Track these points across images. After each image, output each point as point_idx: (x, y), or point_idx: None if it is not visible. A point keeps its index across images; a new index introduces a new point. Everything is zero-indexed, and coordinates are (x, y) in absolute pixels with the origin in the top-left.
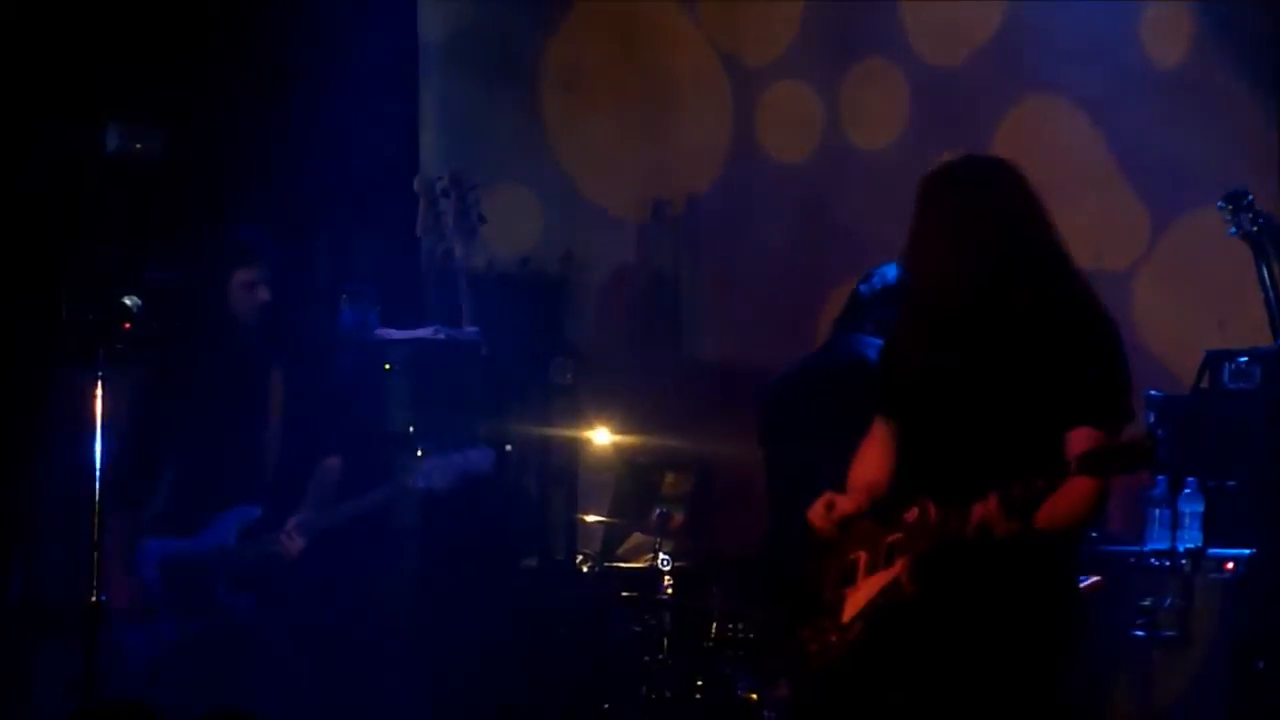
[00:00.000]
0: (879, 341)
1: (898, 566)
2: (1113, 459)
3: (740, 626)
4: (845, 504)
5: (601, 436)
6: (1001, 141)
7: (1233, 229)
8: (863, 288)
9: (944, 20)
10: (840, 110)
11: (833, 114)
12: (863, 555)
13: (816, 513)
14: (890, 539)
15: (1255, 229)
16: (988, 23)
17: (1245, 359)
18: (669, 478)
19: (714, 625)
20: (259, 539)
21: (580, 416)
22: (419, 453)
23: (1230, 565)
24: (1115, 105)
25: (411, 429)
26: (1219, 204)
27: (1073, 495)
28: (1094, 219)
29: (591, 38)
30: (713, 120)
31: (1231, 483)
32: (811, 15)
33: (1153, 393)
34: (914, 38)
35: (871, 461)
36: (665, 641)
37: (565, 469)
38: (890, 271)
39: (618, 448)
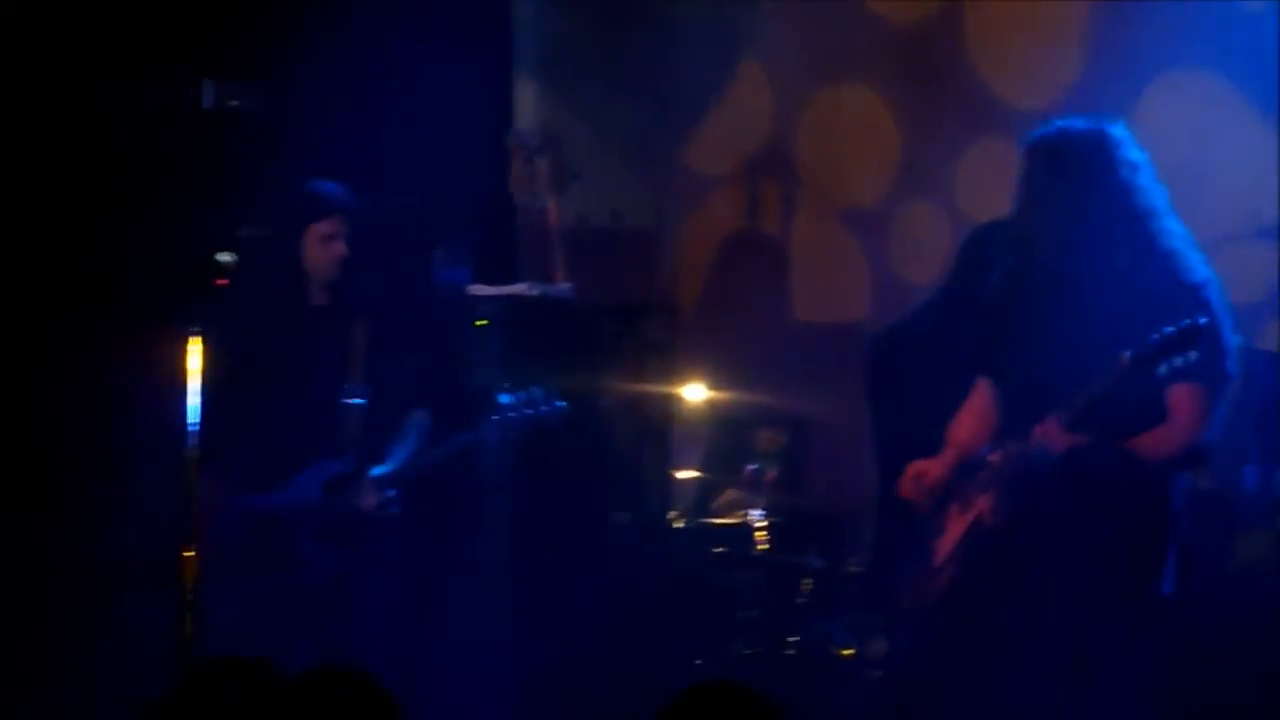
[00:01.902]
0: (978, 301)
1: (980, 503)
2: (1163, 348)
3: (835, 582)
4: (933, 470)
5: (695, 392)
6: None
7: None
8: (964, 246)
9: None
10: None
11: None
12: (954, 505)
13: (906, 484)
14: (976, 481)
15: None
16: None
17: None
18: (763, 433)
19: (808, 581)
20: (343, 494)
21: (674, 372)
22: (516, 403)
23: None
24: None
25: (503, 384)
26: None
27: (1153, 408)
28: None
29: None
30: None
31: None
32: None
33: None
34: None
35: (971, 419)
36: (759, 598)
37: (658, 425)
38: (992, 232)
39: (711, 403)
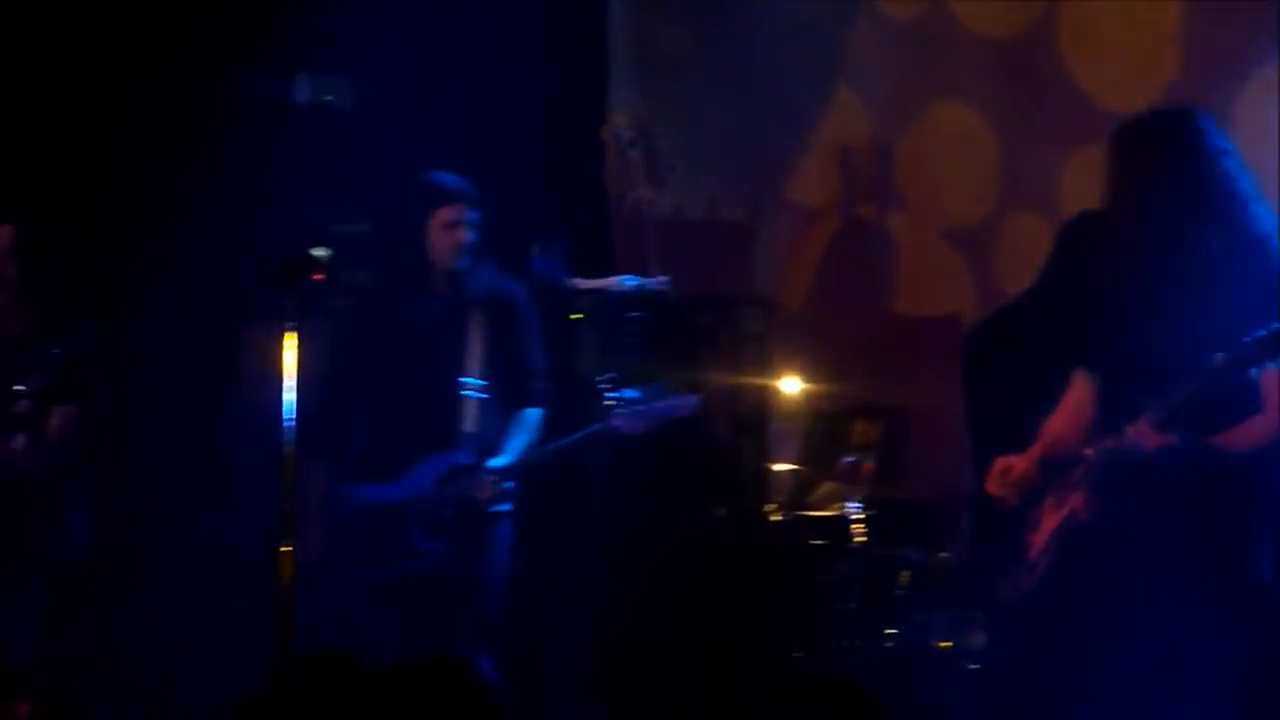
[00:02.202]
0: (1073, 290)
1: (1076, 497)
2: (1255, 351)
3: (932, 574)
4: (1019, 465)
5: (791, 385)
6: None
7: None
8: (1059, 236)
9: None
10: None
11: None
12: (1049, 499)
13: (992, 479)
14: (1071, 477)
15: None
16: None
17: None
18: (859, 426)
19: (905, 573)
20: (456, 486)
21: (770, 364)
22: (619, 397)
23: None
24: None
25: (600, 377)
26: None
27: (1246, 402)
28: None
29: None
30: None
31: None
32: None
33: None
34: None
35: (1065, 413)
36: (856, 590)
37: (755, 417)
38: (1087, 221)
39: (808, 396)
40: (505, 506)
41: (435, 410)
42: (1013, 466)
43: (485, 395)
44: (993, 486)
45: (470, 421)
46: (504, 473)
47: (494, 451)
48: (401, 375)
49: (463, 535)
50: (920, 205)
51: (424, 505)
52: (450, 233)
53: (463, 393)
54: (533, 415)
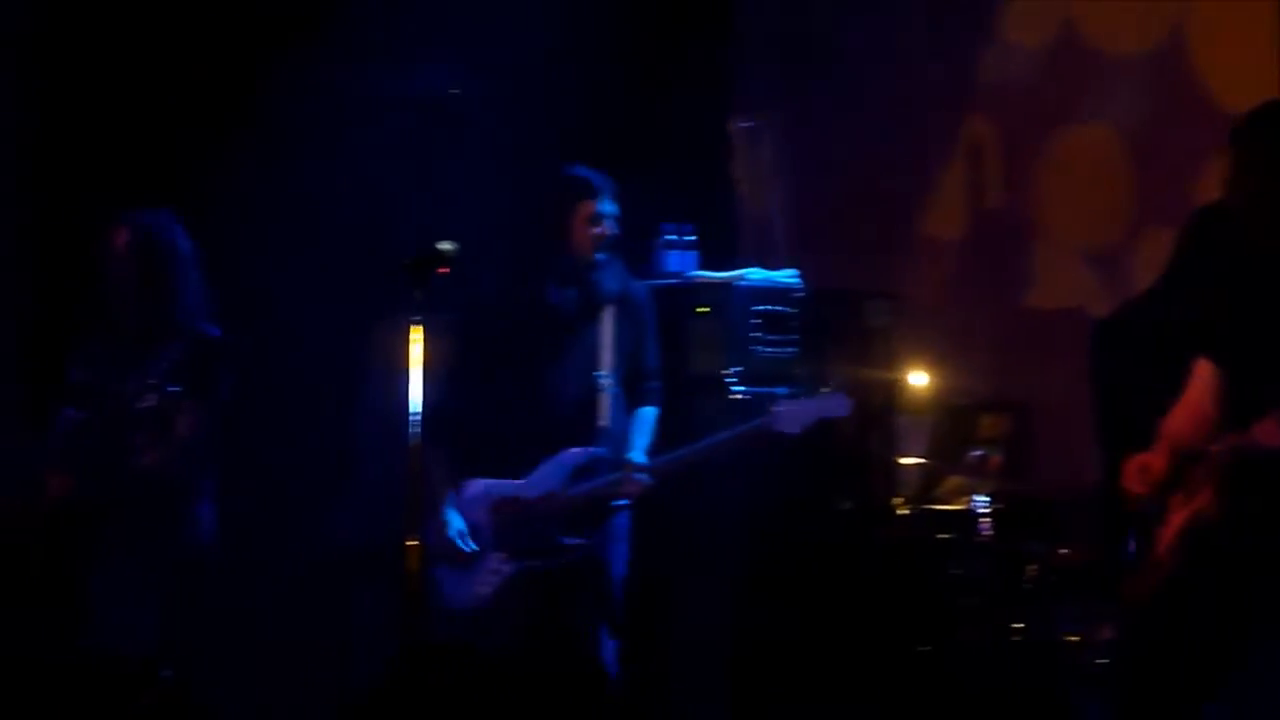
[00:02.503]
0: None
1: (1203, 495)
2: None
3: (1060, 568)
4: (1156, 463)
5: (919, 378)
6: None
7: None
8: (1184, 229)
9: None
10: None
11: None
12: (1177, 495)
13: (1130, 477)
14: (1197, 473)
15: None
16: None
17: None
18: (986, 419)
19: (1033, 567)
20: (590, 481)
21: (897, 358)
22: (774, 396)
23: None
24: None
25: (725, 371)
26: None
27: None
28: None
29: None
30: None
31: None
32: None
33: None
34: None
35: (1188, 408)
36: (983, 584)
37: (882, 411)
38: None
39: (935, 389)
40: (623, 500)
41: (571, 403)
42: (1150, 464)
43: (617, 388)
44: (1131, 484)
45: (604, 415)
46: (650, 468)
47: (624, 446)
48: (538, 368)
49: (597, 529)
50: (1059, 231)
51: (557, 500)
52: (592, 226)
53: (596, 387)
54: (649, 414)
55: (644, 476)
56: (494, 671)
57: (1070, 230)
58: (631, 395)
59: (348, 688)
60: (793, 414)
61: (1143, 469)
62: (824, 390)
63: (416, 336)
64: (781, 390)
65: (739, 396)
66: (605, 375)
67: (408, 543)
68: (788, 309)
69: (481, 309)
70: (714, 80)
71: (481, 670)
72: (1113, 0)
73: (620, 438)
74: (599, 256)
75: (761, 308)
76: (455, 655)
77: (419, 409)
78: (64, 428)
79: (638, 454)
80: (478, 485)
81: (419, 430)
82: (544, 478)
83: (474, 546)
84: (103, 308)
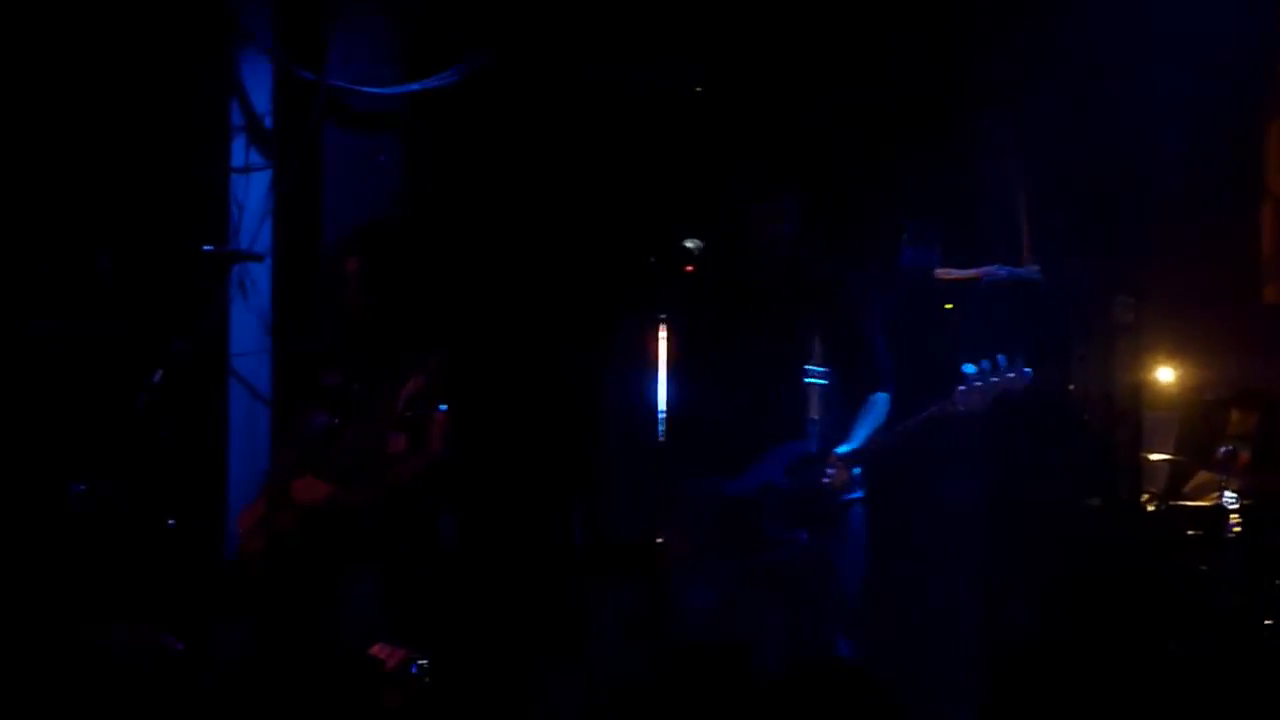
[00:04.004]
0: None
1: None
2: None
3: None
4: None
5: (1165, 375)
6: None
7: None
8: None
9: None
10: None
11: None
12: None
13: None
14: None
15: None
16: None
17: None
18: (1235, 415)
19: None
20: (807, 474)
21: (1144, 354)
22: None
23: None
24: None
25: (970, 367)
26: None
27: None
28: None
29: None
30: None
31: None
32: None
33: None
34: None
35: None
36: (1233, 581)
37: (1129, 408)
38: None
39: (1183, 385)
40: (857, 494)
41: (780, 399)
42: None
43: (827, 382)
44: None
45: (815, 409)
46: (853, 458)
47: (842, 438)
48: (745, 366)
49: (817, 523)
50: None
51: (775, 495)
52: (771, 225)
53: (806, 380)
54: (880, 400)
55: (847, 466)
56: (751, 672)
57: None
58: (858, 384)
59: (594, 689)
60: (973, 395)
61: None
62: (1008, 364)
63: (662, 334)
64: (969, 369)
65: (978, 378)
66: (815, 368)
67: (654, 541)
68: (1033, 305)
69: (702, 309)
70: (957, 72)
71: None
72: None
73: (831, 431)
74: (784, 254)
75: (1006, 304)
76: (714, 654)
77: (665, 407)
78: (317, 433)
79: (848, 445)
80: (701, 484)
81: (664, 429)
82: (760, 473)
83: (702, 545)
84: (347, 312)
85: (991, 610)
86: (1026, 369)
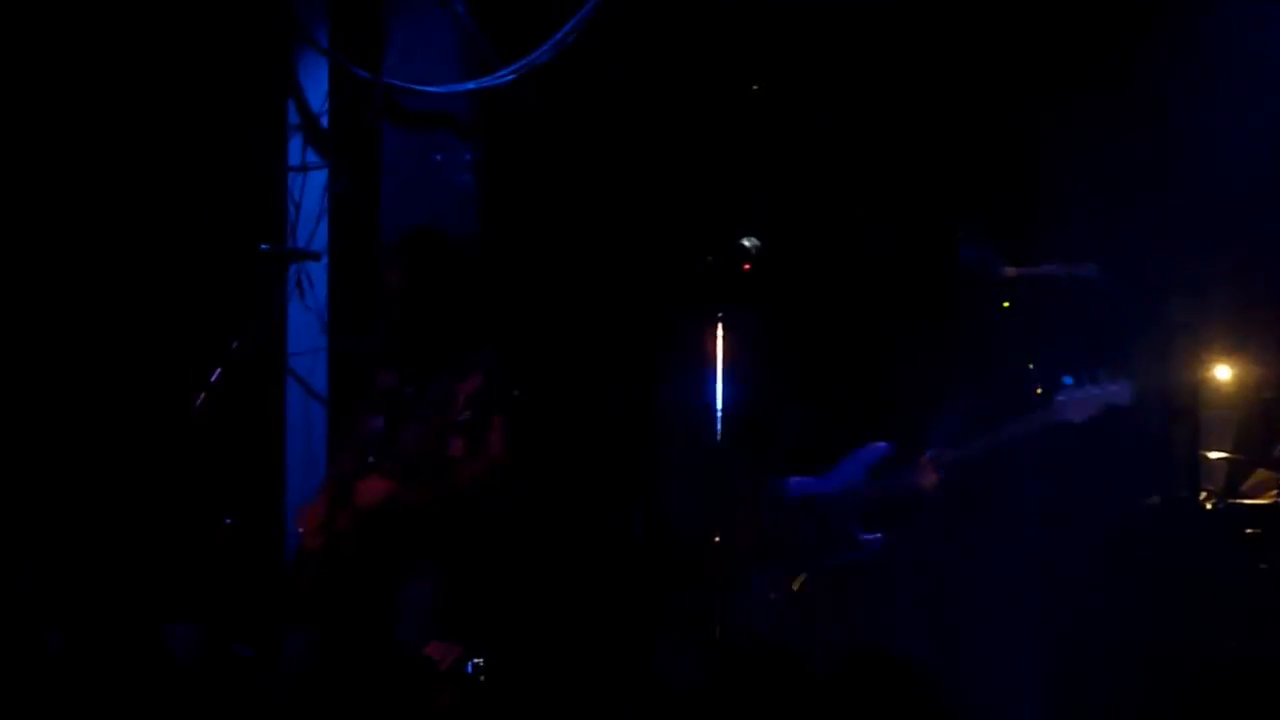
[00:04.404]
0: None
1: None
2: None
3: None
4: None
5: (1223, 373)
6: None
7: None
8: None
9: None
10: None
11: None
12: None
13: None
14: None
15: None
16: None
17: None
18: None
19: None
20: (889, 476)
21: (1202, 352)
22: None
23: None
24: None
25: (1030, 366)
26: None
27: None
28: None
29: None
30: None
31: None
32: None
33: None
34: None
35: None
36: None
37: (1187, 405)
38: None
39: (1241, 383)
40: (939, 493)
41: (863, 399)
42: None
43: (913, 384)
44: None
45: (898, 410)
46: (941, 461)
47: (924, 440)
48: (828, 365)
49: (893, 526)
50: None
51: (857, 496)
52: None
53: (889, 381)
54: (958, 406)
55: (935, 470)
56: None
57: None
58: (941, 387)
59: (660, 687)
60: (1077, 403)
61: None
62: (1104, 376)
63: (719, 333)
64: (1068, 380)
65: (1039, 390)
66: (899, 369)
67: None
68: (1089, 303)
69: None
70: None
71: (798, 672)
72: None
73: (921, 431)
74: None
75: (1063, 302)
76: (777, 655)
77: (722, 406)
78: (375, 435)
79: (934, 448)
80: (783, 483)
81: (722, 428)
82: (843, 474)
83: (780, 545)
84: (397, 313)
85: (1052, 609)
86: (1125, 382)
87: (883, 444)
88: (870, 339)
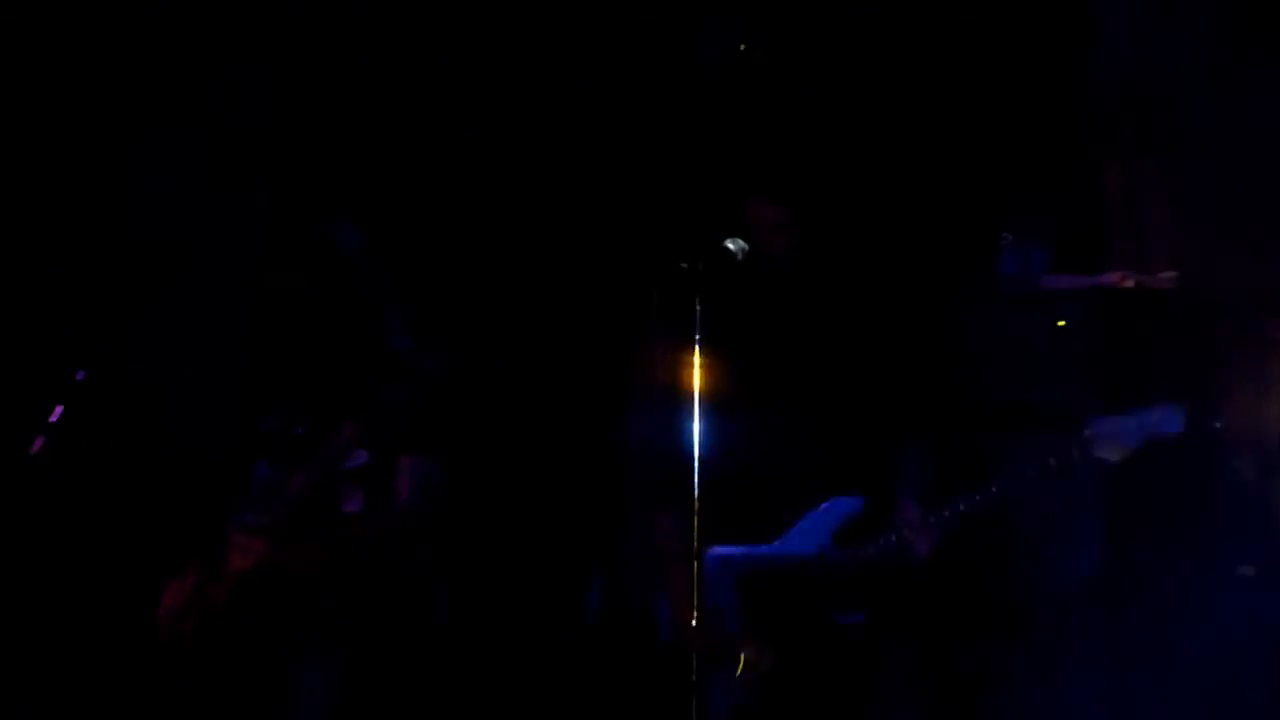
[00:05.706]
0: None
1: None
2: None
3: None
4: None
5: None
6: None
7: None
8: None
9: None
10: None
11: None
12: None
13: None
14: None
15: None
16: None
17: None
18: None
19: None
20: (865, 539)
21: None
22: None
23: None
24: None
25: (1081, 401)
26: None
27: None
28: None
29: None
30: None
31: None
32: None
33: None
34: None
35: None
36: None
37: None
38: None
39: None
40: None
41: (813, 440)
42: None
43: (878, 423)
44: None
45: (861, 455)
46: (938, 520)
47: (901, 491)
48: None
49: (880, 601)
50: None
51: (824, 566)
52: (774, 235)
53: (845, 420)
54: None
55: (932, 532)
56: None
57: None
58: (924, 425)
59: None
60: (1113, 435)
61: None
62: (1148, 402)
63: (693, 360)
64: (1094, 406)
65: (1087, 419)
66: (853, 406)
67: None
68: (1166, 322)
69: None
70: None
71: None
72: None
73: (897, 479)
74: (793, 266)
75: (1132, 321)
76: None
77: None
78: (258, 487)
79: (916, 502)
80: (719, 554)
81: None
82: (797, 539)
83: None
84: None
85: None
86: (1174, 405)
87: (846, 500)
88: (858, 364)
